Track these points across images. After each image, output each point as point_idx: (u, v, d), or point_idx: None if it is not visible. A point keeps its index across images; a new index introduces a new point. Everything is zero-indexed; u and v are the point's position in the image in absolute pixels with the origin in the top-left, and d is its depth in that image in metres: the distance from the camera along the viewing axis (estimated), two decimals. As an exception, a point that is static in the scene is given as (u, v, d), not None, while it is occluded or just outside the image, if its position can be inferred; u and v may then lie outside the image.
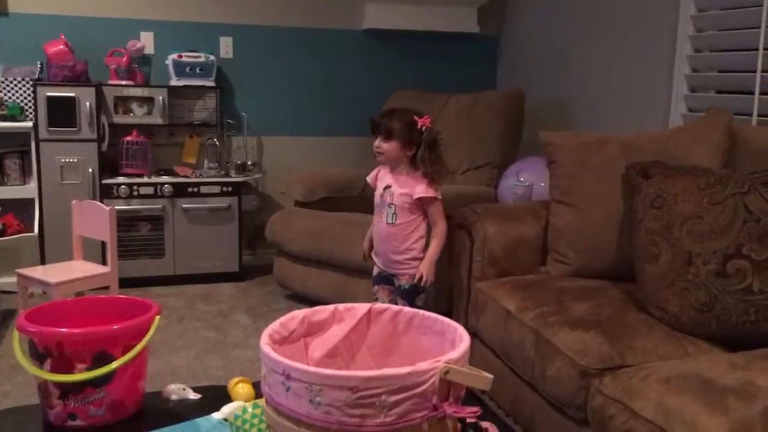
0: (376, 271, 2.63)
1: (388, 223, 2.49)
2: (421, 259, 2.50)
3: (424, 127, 2.41)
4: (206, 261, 4.09)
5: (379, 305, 1.36)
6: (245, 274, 4.23)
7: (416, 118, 2.41)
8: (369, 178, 2.63)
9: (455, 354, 1.12)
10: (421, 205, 2.47)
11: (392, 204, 2.47)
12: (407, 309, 1.35)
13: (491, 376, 1.14)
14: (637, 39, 3.48)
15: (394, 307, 1.36)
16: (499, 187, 3.58)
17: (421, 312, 1.33)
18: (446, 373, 1.08)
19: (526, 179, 3.35)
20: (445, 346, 1.25)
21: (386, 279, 2.59)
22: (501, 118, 3.87)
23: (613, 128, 3.42)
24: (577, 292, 2.20)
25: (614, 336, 1.88)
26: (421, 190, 2.42)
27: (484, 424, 1.21)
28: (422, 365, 1.07)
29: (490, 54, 4.85)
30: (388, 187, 2.49)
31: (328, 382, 1.06)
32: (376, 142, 2.45)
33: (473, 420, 1.16)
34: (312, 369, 1.08)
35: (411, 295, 2.52)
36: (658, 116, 3.30)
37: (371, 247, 2.64)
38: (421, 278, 2.48)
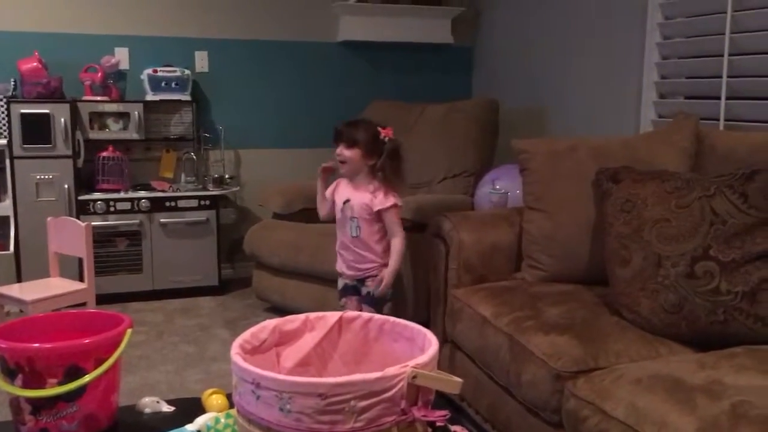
0: (341, 284, 2.67)
1: (352, 237, 2.53)
2: (386, 265, 2.56)
3: (386, 138, 2.46)
4: (185, 275, 4.08)
5: (350, 313, 1.37)
6: (224, 287, 4.22)
7: (380, 128, 2.47)
8: (327, 192, 2.65)
9: (423, 358, 1.13)
10: (381, 217, 2.52)
11: (354, 217, 2.51)
12: (378, 316, 1.36)
13: (460, 380, 1.16)
14: (607, 47, 3.54)
15: (366, 315, 1.38)
16: (476, 196, 3.61)
17: (392, 319, 1.34)
18: (414, 377, 1.09)
19: (501, 187, 3.38)
20: (415, 351, 1.26)
21: (353, 289, 2.63)
22: (476, 126, 3.90)
23: (585, 134, 3.47)
24: (551, 297, 2.23)
25: (587, 339, 1.91)
26: (379, 202, 2.47)
27: (454, 428, 1.22)
28: (390, 370, 1.08)
29: (465, 64, 4.89)
30: (347, 201, 2.53)
31: (297, 389, 1.06)
32: (339, 150, 2.49)
33: (442, 424, 1.17)
34: (281, 377, 1.09)
35: (377, 303, 2.55)
36: (628, 122, 3.36)
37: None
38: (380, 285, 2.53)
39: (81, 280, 3.27)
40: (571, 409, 1.75)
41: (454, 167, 3.89)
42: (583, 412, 1.70)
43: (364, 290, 2.58)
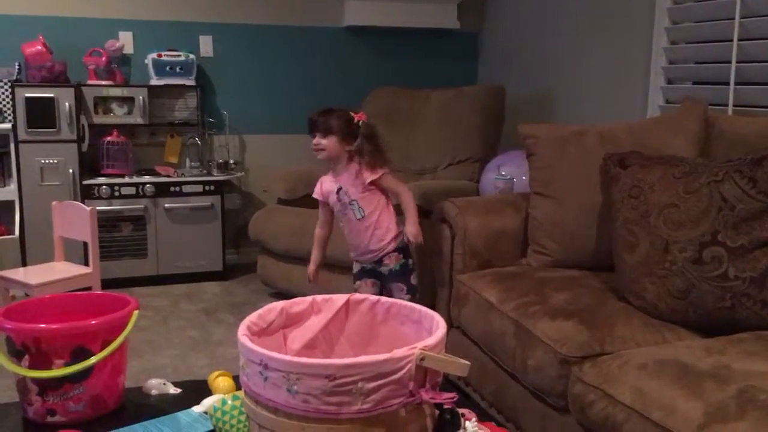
0: (357, 267, 2.66)
1: (358, 219, 2.54)
2: (400, 234, 2.55)
3: (360, 121, 2.49)
4: (190, 260, 4.08)
5: (357, 295, 1.37)
6: (229, 272, 4.22)
7: (352, 113, 2.50)
8: (315, 194, 2.66)
9: (431, 341, 1.12)
10: (378, 188, 2.52)
11: (353, 200, 2.51)
12: (385, 299, 1.36)
13: (467, 362, 1.15)
14: (615, 31, 3.51)
15: (373, 298, 1.37)
16: (481, 182, 3.60)
17: (399, 301, 1.34)
18: (422, 359, 1.09)
19: (507, 173, 3.37)
20: (422, 334, 1.26)
21: (369, 272, 2.62)
22: (482, 112, 3.89)
23: (592, 120, 3.43)
24: (557, 282, 2.22)
25: (593, 324, 1.90)
26: (367, 175, 2.48)
27: (462, 411, 1.22)
28: (398, 352, 1.08)
29: (471, 50, 4.86)
30: (340, 189, 2.54)
31: (305, 370, 1.06)
32: (315, 140, 2.50)
33: (450, 406, 1.17)
34: (289, 358, 1.08)
35: (404, 275, 2.57)
36: (636, 108, 3.33)
37: (317, 269, 2.72)
38: (407, 254, 2.55)
39: (86, 264, 3.28)
40: (577, 394, 1.75)
41: (459, 153, 3.87)
42: (590, 397, 1.69)
43: (385, 270, 2.57)
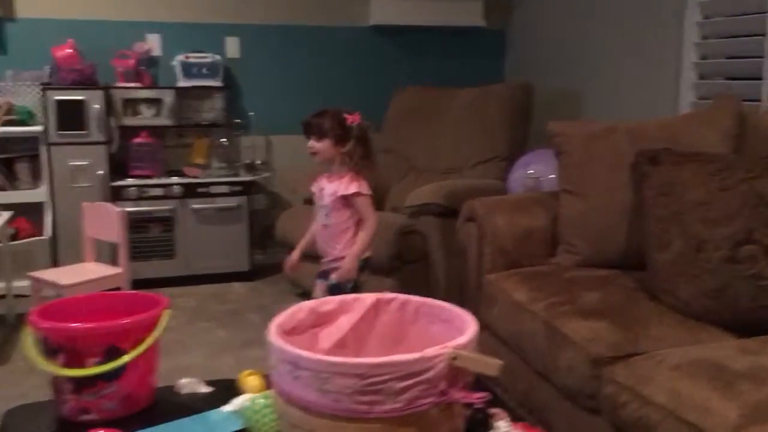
0: (321, 266, 2.65)
1: (323, 224, 2.53)
2: None
3: (354, 123, 2.46)
4: (217, 261, 4.11)
5: (387, 294, 1.36)
6: (256, 273, 4.24)
7: (346, 115, 2.47)
8: (312, 187, 2.65)
9: (463, 340, 1.12)
10: (349, 203, 2.48)
11: (326, 205, 2.51)
12: (415, 298, 1.35)
13: (500, 361, 1.14)
14: (645, 27, 3.46)
15: (402, 297, 1.36)
16: (508, 180, 3.57)
17: (429, 300, 1.33)
18: (454, 359, 1.08)
19: (535, 171, 3.34)
20: (453, 333, 1.24)
21: (324, 274, 2.59)
22: (509, 110, 3.86)
23: (622, 117, 3.40)
24: (587, 281, 2.20)
25: (626, 324, 1.88)
26: (343, 187, 2.45)
27: (494, 411, 1.20)
28: (430, 351, 1.07)
29: (497, 47, 4.83)
30: (321, 189, 2.54)
31: (335, 369, 1.06)
32: (310, 143, 2.50)
33: (481, 406, 1.16)
34: (319, 357, 1.08)
35: (333, 293, 2.52)
36: (666, 104, 3.28)
37: (299, 260, 2.66)
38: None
39: (115, 265, 3.32)
40: (609, 395, 1.72)
41: (486, 152, 3.85)
42: (622, 398, 1.67)
43: (329, 279, 2.54)
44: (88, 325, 1.36)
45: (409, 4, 4.47)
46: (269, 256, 4.49)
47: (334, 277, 2.51)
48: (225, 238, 4.10)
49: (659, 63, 3.36)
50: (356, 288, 2.54)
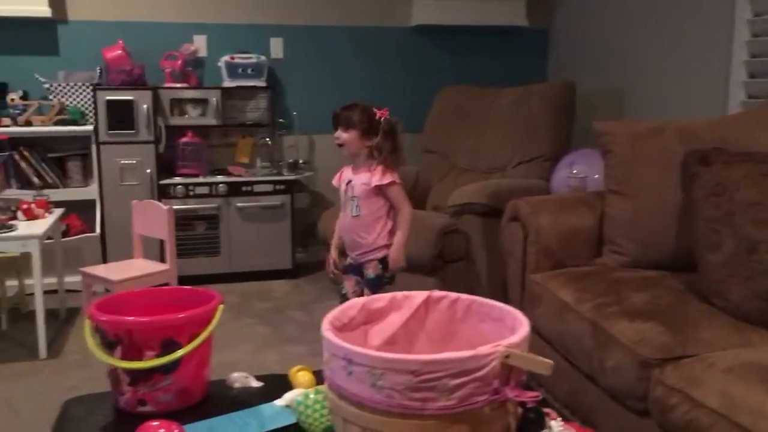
0: (347, 261, 2.66)
1: (353, 216, 2.53)
2: (388, 246, 2.52)
3: (382, 118, 2.48)
4: (260, 258, 4.16)
5: (437, 292, 1.37)
6: (298, 271, 4.28)
7: (375, 109, 2.49)
8: (334, 181, 2.66)
9: (515, 338, 1.12)
10: (383, 194, 2.49)
11: (354, 197, 2.51)
12: (465, 296, 1.35)
13: (551, 361, 1.14)
14: (692, 24, 3.40)
15: (452, 295, 1.37)
16: (552, 180, 3.55)
17: (480, 299, 1.33)
18: (507, 357, 1.08)
19: (579, 171, 3.31)
20: (504, 332, 1.25)
21: (354, 269, 2.61)
22: (552, 110, 3.83)
23: (666, 116, 3.36)
24: (634, 282, 2.17)
25: (675, 326, 1.85)
26: (377, 178, 2.47)
27: (546, 410, 1.20)
28: (483, 349, 1.07)
29: (540, 46, 4.80)
30: (349, 181, 2.54)
31: (389, 365, 1.07)
32: (337, 133, 2.51)
33: (534, 405, 1.16)
34: (374, 353, 1.09)
35: (375, 285, 2.54)
36: (714, 103, 3.23)
37: (337, 259, 2.67)
38: (387, 267, 2.52)
39: (162, 261, 3.38)
40: (659, 397, 1.70)
41: (529, 152, 3.83)
42: (672, 400, 1.65)
43: (364, 273, 2.56)
44: (146, 319, 1.39)
45: (451, 4, 4.46)
46: (311, 254, 4.54)
47: (371, 272, 2.53)
48: (268, 236, 4.15)
49: (707, 61, 3.30)
50: (392, 280, 2.56)
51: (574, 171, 3.35)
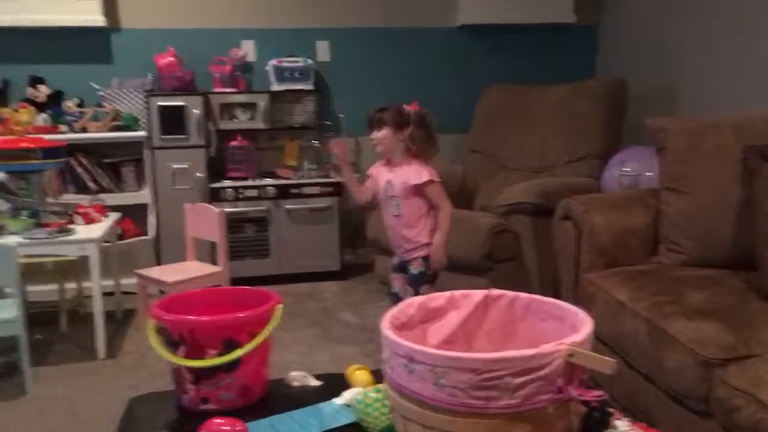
0: (395, 260, 2.69)
1: (394, 215, 2.57)
2: (430, 245, 2.55)
3: (412, 111, 2.52)
4: (309, 260, 4.20)
5: (495, 291, 1.37)
6: (347, 272, 4.31)
7: (405, 106, 2.55)
8: (369, 170, 2.70)
9: (579, 337, 1.11)
10: (421, 192, 2.52)
11: (394, 196, 2.54)
12: (524, 295, 1.34)
13: (614, 360, 1.13)
14: (747, 15, 3.31)
15: (511, 294, 1.36)
16: (603, 178, 3.49)
17: (540, 297, 1.32)
18: (571, 355, 1.07)
19: (631, 169, 3.25)
20: (565, 331, 1.23)
21: (401, 267, 2.66)
22: (602, 107, 3.78)
23: (719, 112, 3.27)
24: (693, 281, 2.13)
25: (736, 325, 1.81)
26: (415, 177, 2.49)
27: (610, 410, 1.19)
28: (546, 347, 1.06)
29: (588, 43, 4.74)
30: (388, 181, 2.57)
31: (452, 364, 1.07)
32: (372, 135, 2.57)
33: (598, 405, 1.14)
34: (436, 351, 1.09)
35: (417, 281, 2.56)
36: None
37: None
38: (428, 265, 2.55)
39: (213, 263, 3.44)
40: (722, 398, 1.66)
41: (578, 150, 3.78)
42: (736, 402, 1.61)
43: (409, 269, 2.59)
44: (209, 318, 1.42)
45: (497, 3, 4.44)
46: (359, 256, 4.56)
47: (414, 268, 2.56)
48: (317, 238, 4.18)
49: (764, 54, 3.21)
50: (433, 279, 2.59)
51: (626, 169, 3.30)
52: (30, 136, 3.29)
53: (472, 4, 4.44)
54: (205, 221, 3.31)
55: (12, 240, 2.84)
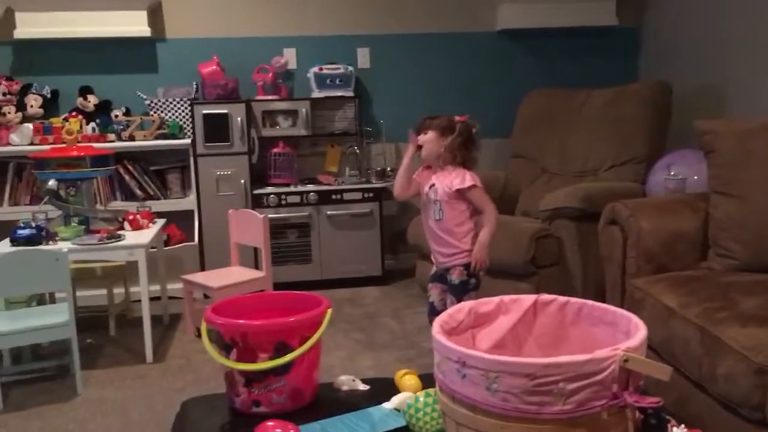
0: (433, 269, 2.68)
1: (435, 220, 2.56)
2: (471, 252, 2.52)
3: (459, 122, 2.55)
4: (351, 265, 4.21)
5: (545, 296, 1.36)
6: (388, 277, 4.31)
7: (456, 117, 2.58)
8: (413, 176, 2.68)
9: (634, 342, 1.10)
10: (464, 197, 2.51)
11: (437, 200, 2.54)
12: (575, 300, 1.34)
13: (670, 367, 1.11)
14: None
15: (561, 298, 1.36)
16: (648, 183, 3.44)
17: (591, 302, 1.32)
18: (626, 361, 1.06)
19: (678, 172, 3.20)
20: (618, 336, 1.23)
21: (440, 277, 2.62)
22: (647, 111, 3.72)
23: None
24: (745, 286, 2.09)
25: (792, 332, 1.77)
26: (458, 182, 2.49)
27: (667, 416, 1.17)
28: (601, 353, 1.06)
29: (630, 46, 4.68)
30: (432, 185, 2.57)
31: (505, 368, 1.07)
32: (419, 137, 2.59)
33: (653, 411, 1.13)
34: (489, 356, 1.10)
35: (460, 291, 2.53)
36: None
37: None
38: (470, 273, 2.52)
39: (257, 268, 3.48)
40: (778, 406, 1.63)
41: (622, 154, 3.73)
42: (793, 410, 1.57)
43: (449, 278, 2.57)
44: (261, 322, 1.45)
45: (537, 6, 4.41)
46: (400, 261, 4.56)
47: (455, 277, 2.54)
48: (358, 243, 4.20)
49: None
50: (477, 287, 2.56)
51: (672, 173, 3.24)
52: (79, 144, 3.38)
53: (512, 9, 4.42)
54: (249, 227, 3.36)
55: (64, 246, 2.91)
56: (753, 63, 3.57)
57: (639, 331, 1.15)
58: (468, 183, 2.50)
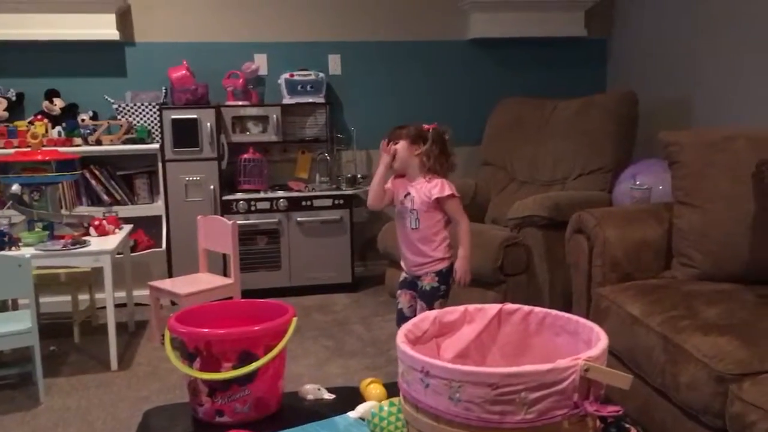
0: (402, 276, 2.68)
1: (412, 228, 2.56)
2: (445, 259, 2.54)
3: (430, 129, 2.55)
4: (320, 272, 4.20)
5: (510, 305, 1.37)
6: (358, 284, 4.31)
7: (424, 125, 2.58)
8: (386, 186, 2.66)
9: (595, 352, 1.11)
10: (440, 207, 2.53)
11: (414, 209, 2.54)
12: (539, 309, 1.35)
13: (630, 375, 1.13)
14: (761, 27, 3.31)
15: (525, 308, 1.37)
16: (614, 192, 3.49)
17: (554, 312, 1.33)
18: (587, 370, 1.07)
19: (643, 182, 3.25)
20: (579, 346, 1.24)
21: (410, 284, 2.63)
22: (613, 121, 3.77)
23: (734, 125, 3.26)
24: (707, 296, 2.12)
25: (752, 340, 1.80)
26: (437, 190, 2.50)
27: (628, 426, 1.19)
28: (562, 362, 1.07)
29: (598, 57, 4.75)
30: (408, 194, 2.57)
31: (467, 378, 1.07)
32: (389, 147, 2.58)
33: (613, 420, 1.14)
34: (451, 366, 1.10)
35: (430, 297, 2.54)
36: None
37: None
38: (443, 280, 2.53)
39: (225, 275, 3.45)
40: (737, 414, 1.65)
41: (590, 163, 3.78)
42: (751, 417, 1.60)
43: (419, 285, 2.58)
44: (224, 331, 1.43)
45: (507, 16, 4.45)
46: (370, 268, 4.56)
47: (426, 283, 2.55)
48: (328, 250, 4.19)
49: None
50: (446, 294, 2.58)
51: (638, 182, 3.29)
52: (45, 148, 3.33)
53: (483, 18, 4.46)
54: (218, 233, 3.33)
55: (27, 252, 2.86)
56: (717, 76, 3.65)
57: (600, 341, 1.16)
58: (447, 192, 2.50)
